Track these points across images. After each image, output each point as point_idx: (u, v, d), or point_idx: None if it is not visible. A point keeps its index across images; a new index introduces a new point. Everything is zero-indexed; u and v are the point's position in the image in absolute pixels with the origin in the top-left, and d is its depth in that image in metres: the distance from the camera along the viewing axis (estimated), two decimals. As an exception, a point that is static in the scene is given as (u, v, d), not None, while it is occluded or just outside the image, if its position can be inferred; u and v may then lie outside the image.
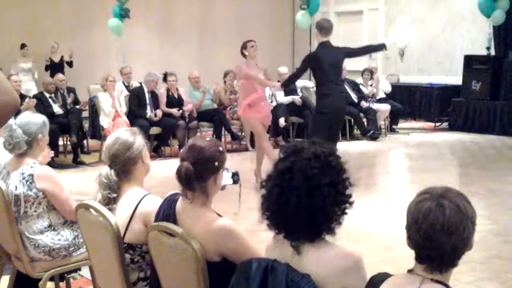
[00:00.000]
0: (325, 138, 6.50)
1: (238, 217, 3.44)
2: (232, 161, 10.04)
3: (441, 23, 15.05)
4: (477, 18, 13.70)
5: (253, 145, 11.22)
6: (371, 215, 6.53)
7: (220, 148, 2.77)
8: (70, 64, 13.24)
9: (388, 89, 13.16)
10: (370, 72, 12.72)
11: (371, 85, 12.65)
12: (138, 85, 10.82)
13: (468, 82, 13.18)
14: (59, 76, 10.51)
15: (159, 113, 10.41)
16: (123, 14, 12.27)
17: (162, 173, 7.60)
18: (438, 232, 1.99)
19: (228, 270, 2.44)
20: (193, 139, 2.85)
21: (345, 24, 16.60)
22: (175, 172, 2.69)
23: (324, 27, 7.50)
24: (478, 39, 14.04)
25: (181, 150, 2.79)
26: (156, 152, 10.35)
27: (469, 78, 13.21)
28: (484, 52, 13.45)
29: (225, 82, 11.63)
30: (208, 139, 2.82)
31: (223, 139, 11.15)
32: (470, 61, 13.28)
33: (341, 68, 7.71)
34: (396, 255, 5.11)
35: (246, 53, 8.30)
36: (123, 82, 11.24)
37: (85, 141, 10.56)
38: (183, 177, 2.66)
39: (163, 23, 15.28)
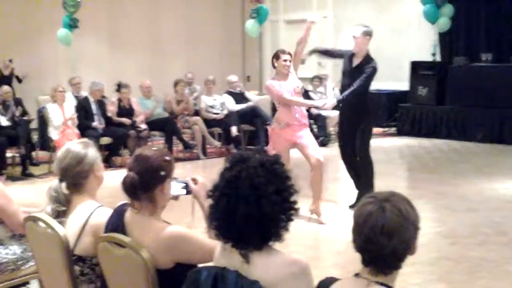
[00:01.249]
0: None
1: (193, 227, 3.45)
2: (184, 170, 10.03)
3: (388, 31, 15.33)
4: (422, 25, 14.00)
5: (205, 153, 11.24)
6: (324, 221, 6.61)
7: (167, 158, 2.78)
8: (20, 80, 13.13)
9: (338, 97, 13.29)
10: (319, 79, 12.87)
11: (320, 92, 12.79)
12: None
13: (415, 88, 13.47)
14: (4, 88, 10.31)
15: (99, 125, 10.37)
16: (72, 24, 12.14)
17: (113, 184, 7.53)
18: (379, 235, 2.04)
19: (181, 276, 2.46)
20: (140, 149, 2.86)
21: (295, 32, 16.69)
22: (121, 183, 2.70)
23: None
24: (424, 45, 14.34)
25: (128, 161, 2.80)
26: (107, 163, 10.24)
27: (415, 84, 13.50)
28: (430, 58, 13.76)
29: (176, 91, 11.61)
30: (155, 148, 2.83)
31: (174, 148, 11.14)
32: (416, 67, 13.57)
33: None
34: (347, 259, 5.19)
35: (276, 65, 6.80)
36: (72, 93, 11.14)
37: (34, 153, 10.42)
38: (128, 187, 2.67)
39: (112, 33, 15.17)
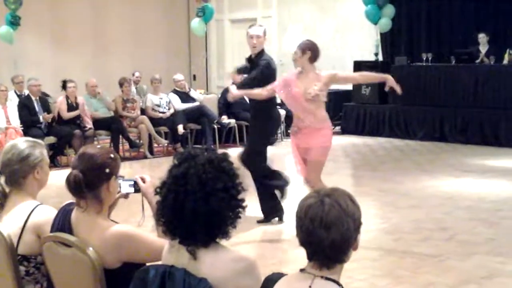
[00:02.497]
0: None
1: (143, 226, 3.44)
2: (132, 169, 9.96)
3: (331, 30, 15.53)
4: (364, 25, 14.23)
5: (151, 152, 11.18)
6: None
7: (112, 155, 2.76)
8: None
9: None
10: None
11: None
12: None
13: (358, 87, 13.65)
14: None
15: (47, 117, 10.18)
16: (13, 21, 11.89)
17: (58, 183, 7.42)
18: (317, 227, 2.07)
19: (128, 275, 2.45)
20: (84, 147, 2.84)
21: (240, 31, 16.76)
22: (65, 181, 2.67)
23: None
24: (367, 45, 14.58)
25: (72, 159, 2.78)
26: (52, 162, 10.07)
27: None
28: (372, 58, 14.00)
29: (122, 91, 11.50)
30: (99, 146, 2.82)
31: (121, 147, 11.04)
32: (359, 67, 13.72)
33: None
34: (293, 256, 5.25)
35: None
36: (15, 91, 10.92)
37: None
38: (72, 185, 2.65)
39: (56, 31, 14.89)
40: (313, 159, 6.19)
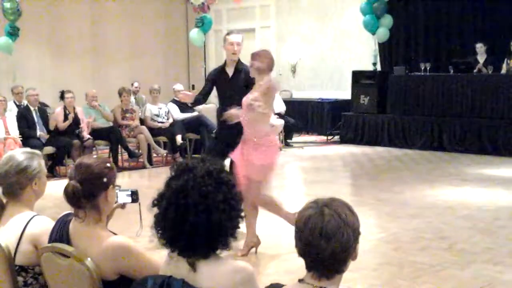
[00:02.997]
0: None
1: (142, 236, 3.43)
2: (131, 179, 9.97)
3: (330, 41, 15.58)
4: (363, 35, 14.28)
5: (150, 162, 11.18)
6: (268, 227, 6.65)
7: (109, 165, 2.77)
8: None
9: (282, 109, 13.32)
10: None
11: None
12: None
13: (357, 97, 13.70)
14: None
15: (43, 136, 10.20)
16: (11, 32, 11.92)
17: (57, 194, 7.41)
18: (317, 237, 2.07)
19: (126, 287, 2.46)
20: (80, 158, 2.86)
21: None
22: (63, 192, 2.67)
23: None
24: (365, 55, 14.63)
25: (69, 170, 2.78)
26: (51, 172, 10.09)
27: (357, 93, 13.73)
28: (371, 68, 14.04)
29: (121, 101, 11.51)
30: (95, 156, 2.83)
31: (119, 157, 11.04)
32: (357, 77, 13.82)
33: None
34: (293, 266, 5.24)
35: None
36: (14, 102, 10.94)
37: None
38: (70, 196, 2.65)
39: (55, 42, 14.95)
40: (249, 176, 5.65)
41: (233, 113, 5.84)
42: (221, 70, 6.63)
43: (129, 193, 2.93)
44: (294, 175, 10.95)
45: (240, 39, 6.50)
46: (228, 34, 6.68)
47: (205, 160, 2.36)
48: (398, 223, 6.87)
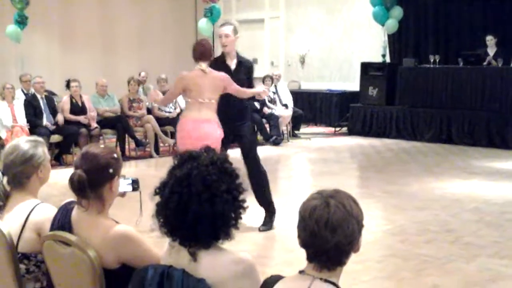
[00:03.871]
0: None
1: (141, 226, 3.43)
2: (137, 168, 9.98)
3: (339, 32, 15.52)
4: (372, 26, 14.21)
5: (157, 151, 11.18)
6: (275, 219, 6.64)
7: (115, 155, 2.74)
8: None
9: (290, 100, 13.26)
10: (271, 79, 12.92)
11: (273, 93, 12.85)
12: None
13: (365, 88, 13.65)
14: None
15: (60, 119, 10.21)
16: (19, 20, 11.93)
17: (63, 182, 7.43)
18: (322, 228, 2.06)
19: (127, 276, 2.45)
20: (86, 146, 2.83)
21: (247, 32, 16.79)
22: (68, 181, 2.65)
23: None
24: (374, 46, 14.56)
25: (75, 158, 2.76)
26: (58, 161, 10.13)
27: (366, 84, 13.68)
28: (380, 60, 13.97)
29: (129, 90, 11.50)
30: (102, 146, 2.80)
31: (126, 146, 11.04)
32: (366, 68, 13.76)
33: None
34: (298, 257, 5.21)
35: None
36: (22, 90, 10.95)
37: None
38: (75, 185, 2.63)
39: (64, 30, 14.95)
40: None
41: None
42: (222, 62, 6.45)
43: (130, 181, 2.92)
44: (301, 166, 10.93)
45: (229, 30, 6.29)
46: (220, 25, 6.56)
47: (209, 150, 2.35)
48: (405, 216, 6.84)
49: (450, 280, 4.89)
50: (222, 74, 6.12)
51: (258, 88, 6.49)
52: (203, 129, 5.97)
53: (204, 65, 6.14)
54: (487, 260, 5.32)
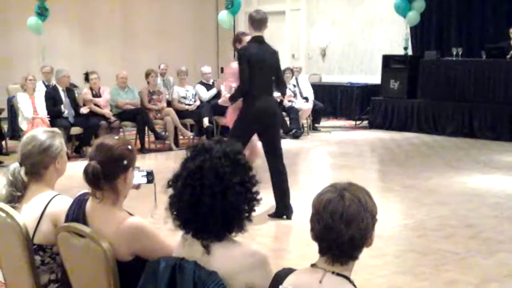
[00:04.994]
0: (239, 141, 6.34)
1: (156, 218, 3.42)
2: (156, 161, 10.02)
3: (360, 24, 15.42)
4: (395, 19, 14.09)
5: (177, 144, 11.20)
6: (294, 212, 6.63)
7: (129, 147, 2.74)
8: None
9: (310, 93, 13.19)
10: (291, 72, 12.87)
11: (293, 85, 12.80)
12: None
13: (387, 81, 13.55)
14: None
15: (85, 111, 10.28)
16: (40, 12, 12.01)
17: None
18: (337, 221, 2.05)
19: (140, 269, 2.45)
20: (101, 138, 2.82)
21: (268, 24, 16.72)
22: (82, 172, 2.65)
23: (256, 20, 6.41)
24: (396, 39, 14.45)
25: (89, 149, 2.76)
26: (78, 153, 10.20)
27: (387, 77, 13.58)
28: (402, 52, 13.85)
29: (148, 82, 11.52)
30: (117, 137, 2.80)
31: (146, 139, 11.08)
32: (388, 61, 13.66)
33: (273, 69, 6.44)
34: (314, 250, 5.20)
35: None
36: (43, 81, 11.03)
37: (3, 142, 10.30)
38: (90, 177, 2.63)
39: (84, 22, 15.05)
40: None
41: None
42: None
43: (145, 173, 2.92)
44: (321, 160, 10.89)
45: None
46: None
47: (221, 142, 2.33)
48: (424, 210, 6.79)
49: (469, 276, 4.84)
50: None
51: None
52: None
53: None
54: (506, 256, 5.27)
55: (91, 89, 10.66)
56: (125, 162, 2.70)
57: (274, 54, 6.48)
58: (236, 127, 6.37)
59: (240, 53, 6.33)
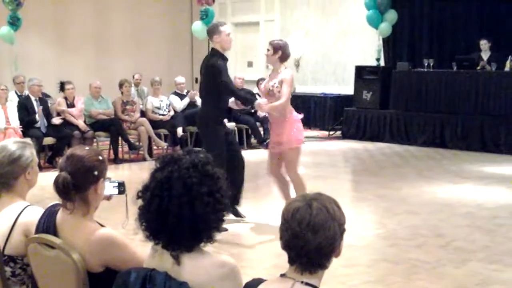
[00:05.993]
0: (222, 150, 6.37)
1: (127, 229, 3.41)
2: (130, 171, 9.98)
3: (334, 35, 15.53)
4: (367, 30, 14.23)
5: (151, 154, 11.17)
6: (266, 222, 6.65)
7: (100, 157, 2.74)
8: None
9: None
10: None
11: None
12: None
13: (360, 92, 13.67)
14: None
15: (57, 121, 10.19)
16: (11, 22, 11.92)
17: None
18: (304, 229, 2.08)
19: (111, 280, 2.44)
20: (72, 148, 2.82)
21: (243, 35, 16.82)
22: (53, 183, 2.65)
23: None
24: (369, 50, 14.58)
25: (60, 160, 2.75)
26: (51, 163, 10.11)
27: (360, 88, 13.70)
28: (374, 63, 13.99)
29: (122, 92, 11.48)
30: (87, 148, 2.79)
31: (120, 149, 11.03)
32: (361, 72, 13.78)
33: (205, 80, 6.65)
34: (286, 261, 5.22)
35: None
36: (15, 92, 10.93)
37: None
38: (60, 188, 2.62)
39: (58, 32, 14.94)
40: (285, 149, 6.44)
41: (262, 102, 6.38)
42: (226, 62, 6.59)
43: (116, 184, 2.92)
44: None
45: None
46: (220, 25, 6.64)
47: (191, 152, 2.34)
48: (396, 220, 6.85)
49: (440, 285, 4.89)
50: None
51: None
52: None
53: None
54: (477, 265, 5.33)
55: (65, 98, 10.58)
56: (96, 173, 2.69)
57: (208, 67, 6.51)
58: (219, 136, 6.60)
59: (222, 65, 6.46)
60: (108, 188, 2.87)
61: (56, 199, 2.76)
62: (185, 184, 2.23)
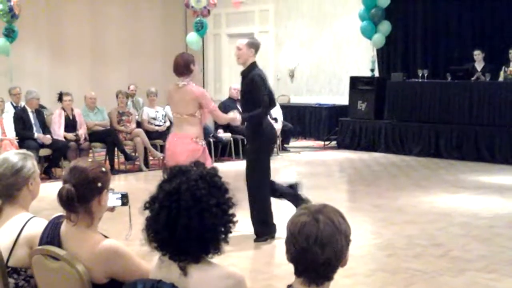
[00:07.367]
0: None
1: (131, 240, 3.43)
2: (126, 182, 9.97)
3: (328, 46, 15.60)
4: (361, 41, 14.30)
5: (147, 165, 11.17)
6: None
7: (103, 169, 2.76)
8: None
9: (280, 114, 13.25)
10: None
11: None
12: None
13: (354, 102, 13.71)
14: None
15: (47, 139, 10.12)
16: (6, 33, 11.92)
17: (53, 196, 7.35)
18: (312, 244, 2.08)
19: (116, 291, 2.46)
20: (75, 161, 2.84)
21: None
22: (57, 195, 2.66)
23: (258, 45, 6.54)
24: (363, 61, 14.64)
25: (63, 172, 2.77)
26: (47, 174, 10.10)
27: (355, 98, 13.74)
28: (368, 74, 14.05)
29: (118, 104, 11.49)
30: (90, 160, 2.81)
31: (116, 160, 11.03)
32: (355, 82, 13.84)
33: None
34: (286, 271, 5.23)
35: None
36: (11, 103, 10.92)
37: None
38: (64, 200, 2.64)
39: (53, 43, 14.94)
40: None
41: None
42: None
43: (119, 196, 2.93)
44: (291, 180, 10.91)
45: (241, 43, 6.39)
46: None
47: (198, 164, 2.37)
48: (393, 230, 6.86)
49: (438, 294, 4.91)
50: (198, 90, 6.28)
51: (230, 114, 6.62)
52: (173, 145, 6.17)
53: (180, 80, 6.28)
54: (475, 274, 5.35)
55: (63, 109, 10.58)
56: (100, 184, 2.71)
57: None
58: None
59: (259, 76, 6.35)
60: (112, 199, 2.89)
61: (54, 210, 2.78)
62: (194, 195, 2.25)
